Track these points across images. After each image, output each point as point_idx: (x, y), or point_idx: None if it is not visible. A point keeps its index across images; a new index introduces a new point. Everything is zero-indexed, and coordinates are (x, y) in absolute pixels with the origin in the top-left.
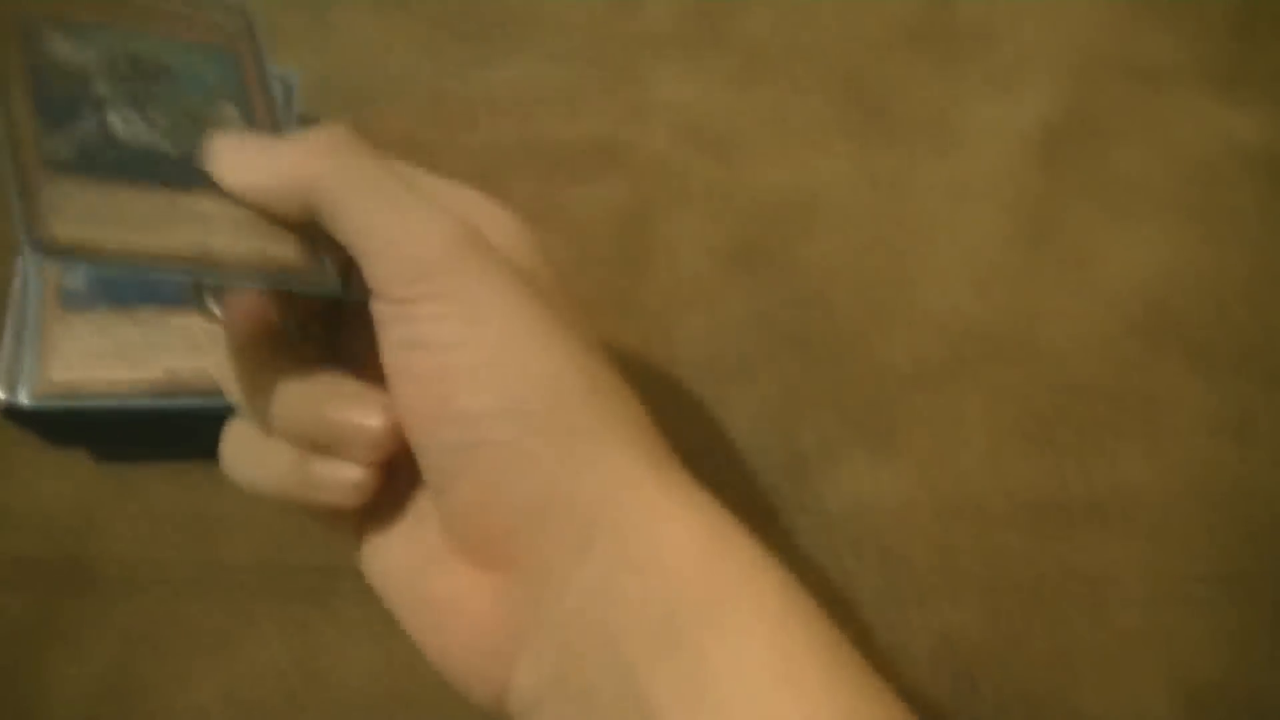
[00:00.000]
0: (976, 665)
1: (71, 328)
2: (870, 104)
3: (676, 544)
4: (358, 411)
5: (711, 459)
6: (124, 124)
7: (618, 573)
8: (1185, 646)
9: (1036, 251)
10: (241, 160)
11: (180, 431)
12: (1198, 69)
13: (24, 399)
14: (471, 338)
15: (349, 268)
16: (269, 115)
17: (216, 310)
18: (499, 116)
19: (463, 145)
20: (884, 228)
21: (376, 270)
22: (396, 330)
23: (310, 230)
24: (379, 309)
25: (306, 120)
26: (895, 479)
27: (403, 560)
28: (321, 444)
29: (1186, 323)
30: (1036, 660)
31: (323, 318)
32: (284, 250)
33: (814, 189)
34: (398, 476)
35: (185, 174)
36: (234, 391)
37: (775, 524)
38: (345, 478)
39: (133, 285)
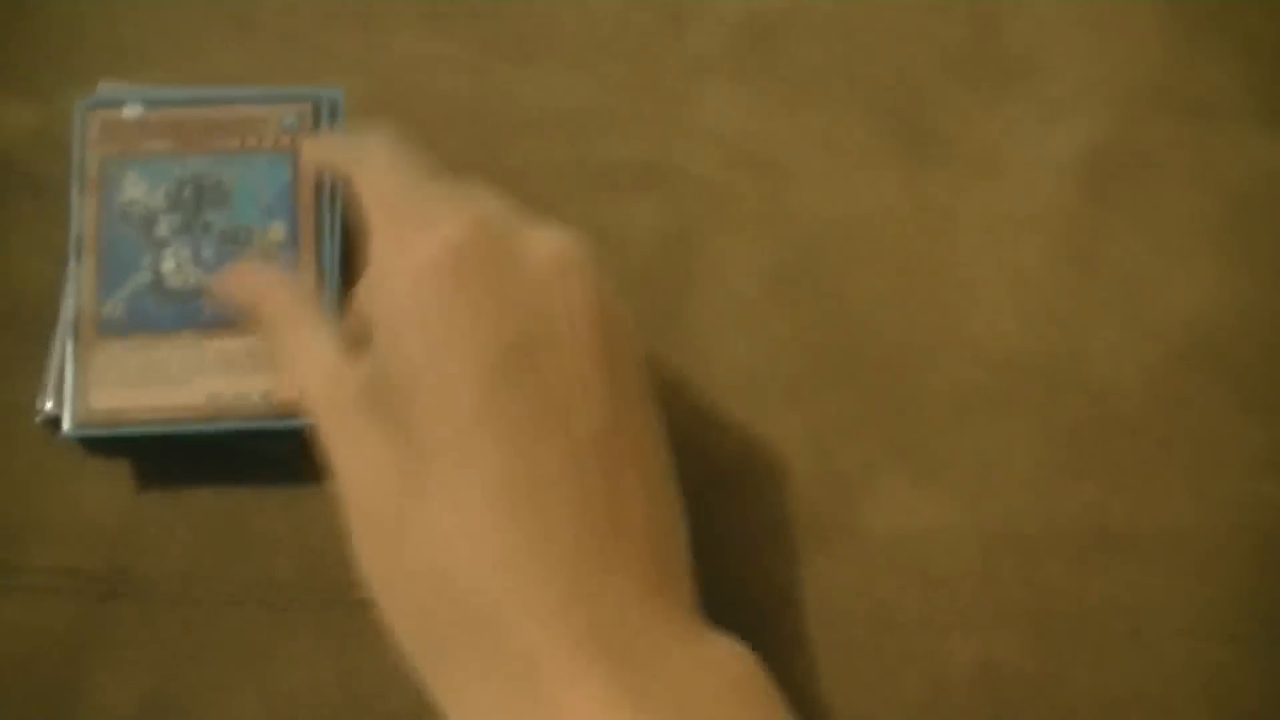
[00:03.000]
0: (1018, 696)
1: (111, 354)
2: (918, 132)
3: None
4: None
5: (752, 480)
6: (176, 269)
7: None
8: (1229, 683)
9: (1083, 283)
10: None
11: (222, 450)
12: (1246, 102)
13: (66, 426)
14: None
15: None
16: (314, 225)
17: None
18: (545, 137)
19: (509, 165)
20: (930, 255)
21: None
22: None
23: None
24: None
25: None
26: (937, 506)
27: None
28: None
29: (1233, 357)
30: (1078, 692)
31: None
32: (283, 392)
33: (860, 215)
34: None
35: (220, 314)
36: None
37: (815, 547)
38: None
39: (170, 310)
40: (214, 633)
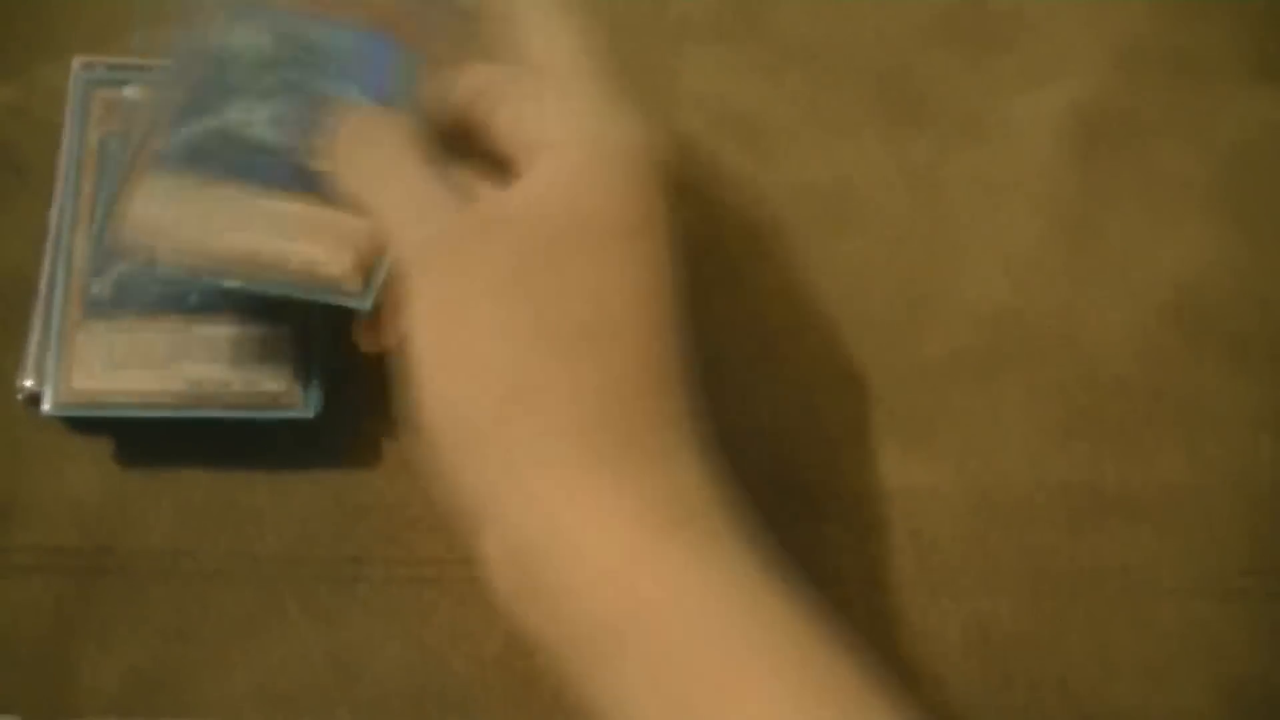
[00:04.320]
0: (1010, 656)
1: (95, 335)
2: (904, 96)
3: (585, 555)
4: None
5: (741, 443)
6: (248, 120)
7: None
8: (1223, 641)
9: (1073, 245)
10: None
11: (204, 434)
12: (1234, 59)
13: (46, 405)
14: (413, 342)
15: None
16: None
17: None
18: None
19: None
20: (918, 220)
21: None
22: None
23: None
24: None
25: None
26: (928, 468)
27: None
28: None
29: (1225, 317)
30: (1072, 653)
31: None
32: (339, 262)
33: (848, 181)
34: None
35: (280, 173)
36: None
37: (804, 510)
38: None
39: (157, 293)
40: (201, 608)
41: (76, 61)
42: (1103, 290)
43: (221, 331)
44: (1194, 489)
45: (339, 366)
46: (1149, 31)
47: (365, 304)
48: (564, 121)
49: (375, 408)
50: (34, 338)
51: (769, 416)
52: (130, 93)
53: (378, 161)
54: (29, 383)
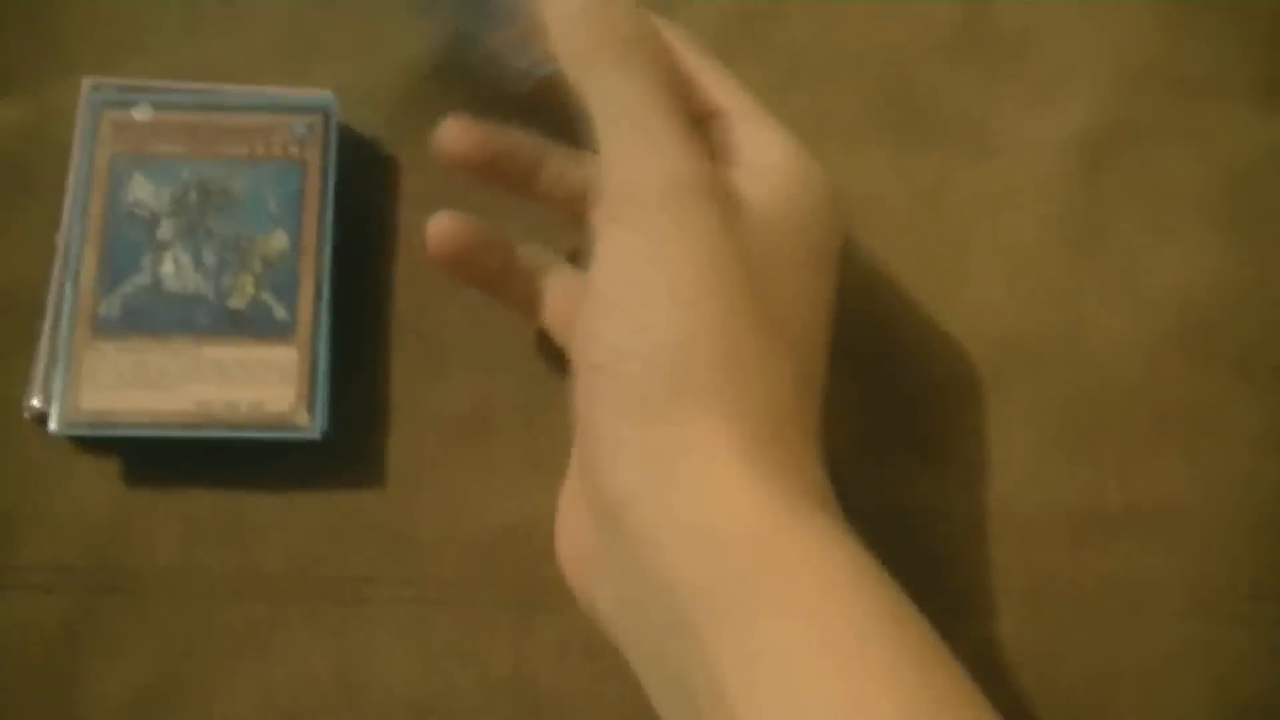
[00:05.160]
0: (1014, 675)
1: (103, 355)
2: (909, 111)
3: (734, 512)
4: None
5: None
6: (176, 273)
7: (670, 531)
8: (1228, 662)
9: (1077, 261)
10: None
11: (211, 453)
12: (1240, 79)
13: (53, 425)
14: (636, 277)
15: None
16: (316, 233)
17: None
18: (538, 121)
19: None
20: (923, 235)
21: (600, 182)
22: (593, 240)
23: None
24: (595, 214)
25: (346, 132)
26: (933, 484)
27: None
28: None
29: (1230, 335)
30: (1076, 672)
31: None
32: (284, 399)
33: (852, 195)
34: None
35: (216, 319)
36: None
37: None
38: None
39: (166, 314)
40: (208, 626)
41: (86, 82)
42: (1108, 307)
43: (229, 353)
44: (1198, 508)
45: (346, 387)
46: (1156, 50)
47: (314, 434)
48: (783, 146)
49: (382, 428)
50: (41, 357)
51: None
52: (139, 114)
53: (636, 67)
54: (36, 402)
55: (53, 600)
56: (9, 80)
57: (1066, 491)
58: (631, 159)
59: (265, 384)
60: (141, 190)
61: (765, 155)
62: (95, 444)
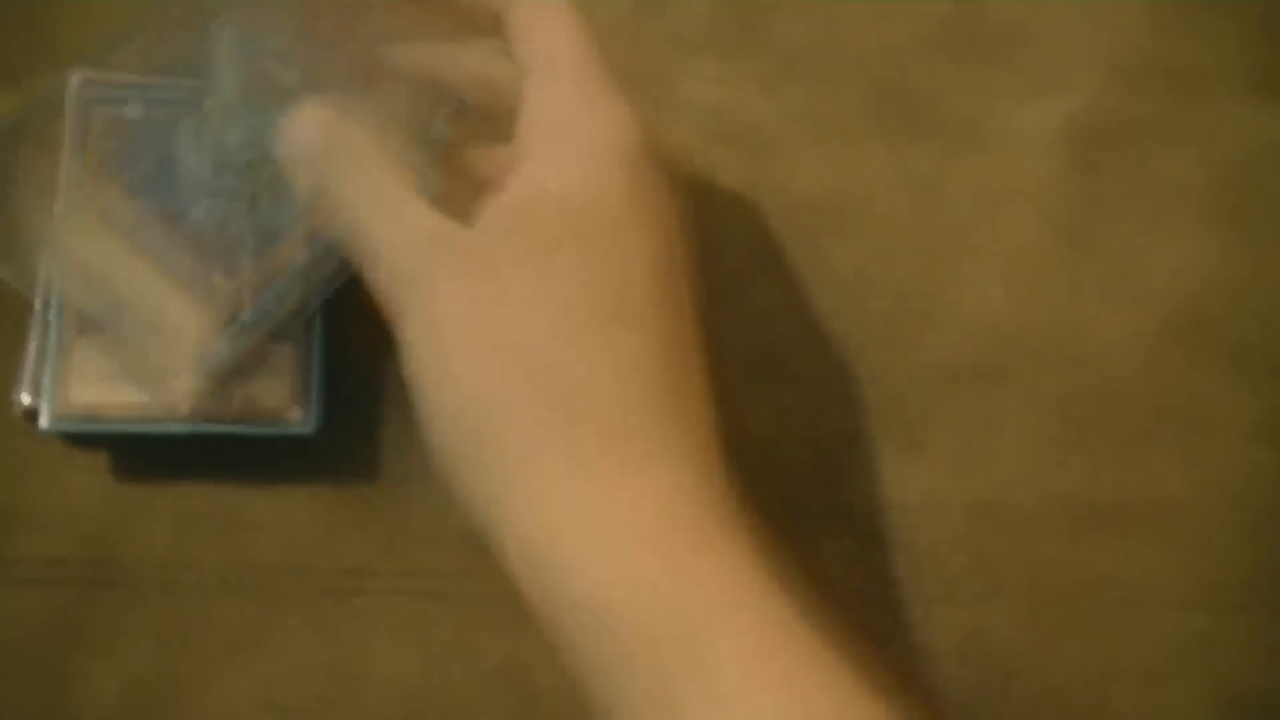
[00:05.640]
0: (1008, 667)
1: (92, 350)
2: (904, 106)
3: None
4: None
5: (739, 453)
6: (204, 217)
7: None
8: (1223, 654)
9: (1072, 255)
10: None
11: (204, 447)
12: (1235, 73)
13: (43, 422)
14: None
15: None
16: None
17: None
18: None
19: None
20: (918, 230)
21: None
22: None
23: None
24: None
25: None
26: (926, 478)
27: None
28: None
29: (1225, 329)
30: (1070, 664)
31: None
32: (276, 394)
33: (846, 190)
34: None
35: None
36: None
37: (803, 520)
38: None
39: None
40: (201, 620)
41: (76, 78)
42: (1102, 301)
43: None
44: (1193, 501)
45: (339, 381)
46: (1150, 43)
47: (308, 429)
48: (568, 111)
49: (375, 422)
50: (31, 352)
51: (768, 427)
52: (130, 111)
53: (352, 165)
54: (25, 398)
55: (47, 594)
56: (2, 70)
57: (1063, 486)
58: (372, 233)
59: (258, 379)
60: (238, 135)
61: (561, 122)
62: (87, 440)
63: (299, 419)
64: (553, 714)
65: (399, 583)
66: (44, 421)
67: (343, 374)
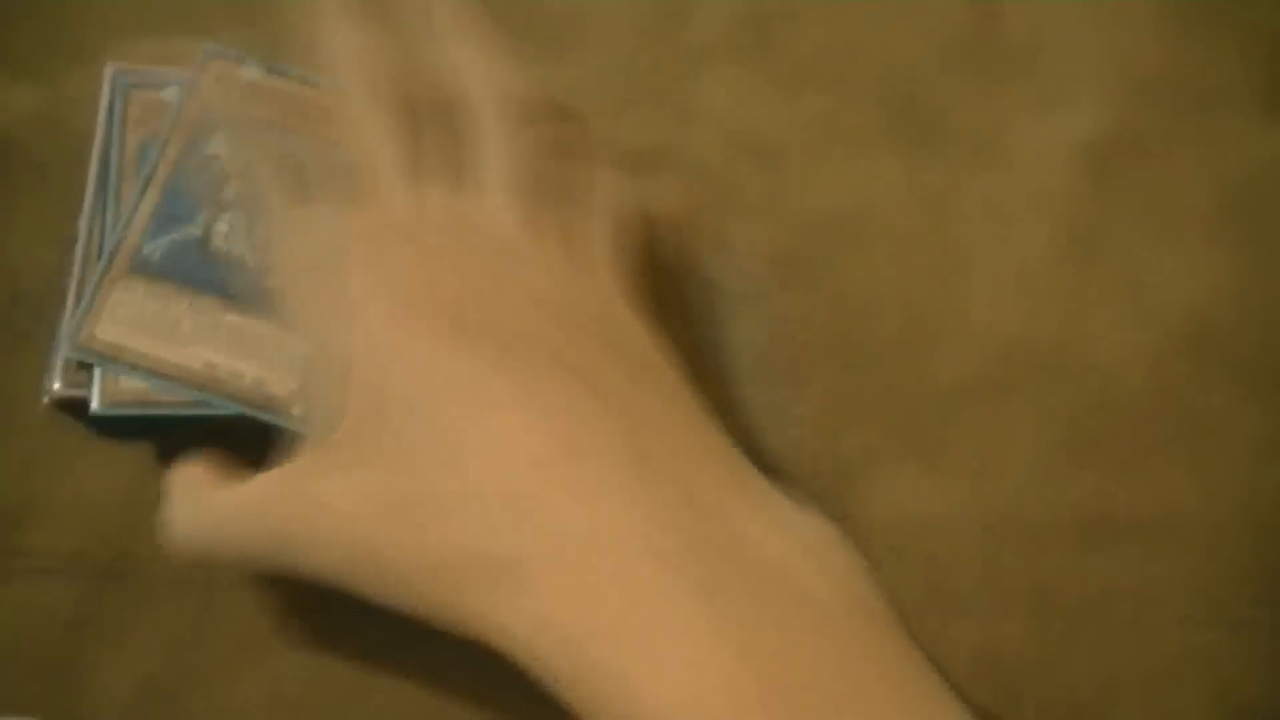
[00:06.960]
0: (1019, 679)
1: (131, 292)
2: (919, 119)
3: None
4: None
5: (755, 463)
6: (227, 234)
7: None
8: (1230, 669)
9: (1083, 270)
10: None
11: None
12: (1247, 92)
13: (65, 349)
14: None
15: None
16: None
17: None
18: None
19: None
20: (931, 242)
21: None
22: None
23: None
24: None
25: None
26: (939, 491)
27: None
28: None
29: (1234, 344)
30: (1080, 676)
31: None
32: (285, 384)
33: (861, 201)
34: None
35: (248, 290)
36: None
37: None
38: None
39: (203, 270)
40: (216, 616)
41: (110, 66)
42: (1112, 316)
43: (249, 326)
44: (1202, 516)
45: None
46: (1162, 61)
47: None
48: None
49: None
50: (62, 340)
51: (781, 441)
52: (170, 94)
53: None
54: (56, 385)
55: (62, 586)
56: (22, 68)
57: (1072, 498)
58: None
59: (273, 366)
60: (221, 147)
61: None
62: (108, 425)
63: (300, 415)
64: (564, 715)
65: None
66: (67, 349)
67: None
